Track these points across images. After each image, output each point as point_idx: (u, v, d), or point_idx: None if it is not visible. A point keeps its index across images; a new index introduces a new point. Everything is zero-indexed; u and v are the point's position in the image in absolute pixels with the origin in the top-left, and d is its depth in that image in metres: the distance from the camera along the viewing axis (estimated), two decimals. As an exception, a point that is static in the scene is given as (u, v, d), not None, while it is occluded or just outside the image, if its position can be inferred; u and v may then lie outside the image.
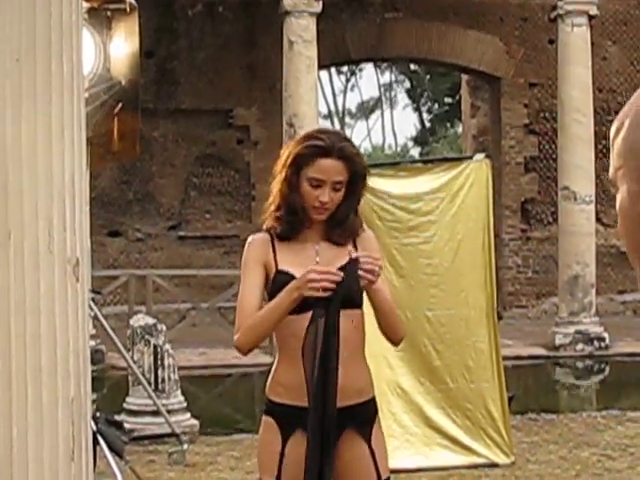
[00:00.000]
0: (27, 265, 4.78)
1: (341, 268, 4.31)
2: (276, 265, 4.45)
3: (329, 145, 4.38)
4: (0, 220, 4.78)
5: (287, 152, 4.49)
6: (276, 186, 4.50)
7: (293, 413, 4.41)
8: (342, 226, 4.49)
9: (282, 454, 4.41)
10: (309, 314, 4.32)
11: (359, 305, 4.47)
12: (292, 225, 4.47)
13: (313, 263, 4.40)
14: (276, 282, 4.42)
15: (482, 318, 9.47)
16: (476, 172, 9.22)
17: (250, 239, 4.63)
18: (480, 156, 10.06)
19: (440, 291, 9.23)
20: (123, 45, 7.64)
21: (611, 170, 1.58)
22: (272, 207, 4.52)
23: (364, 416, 4.50)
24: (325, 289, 4.19)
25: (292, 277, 4.36)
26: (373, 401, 4.56)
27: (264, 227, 4.58)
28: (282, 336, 4.50)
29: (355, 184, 4.46)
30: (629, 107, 1.55)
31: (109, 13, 7.41)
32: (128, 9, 7.60)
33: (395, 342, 4.82)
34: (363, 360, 4.57)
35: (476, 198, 9.12)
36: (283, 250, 4.49)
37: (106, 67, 7.37)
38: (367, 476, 4.44)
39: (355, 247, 4.49)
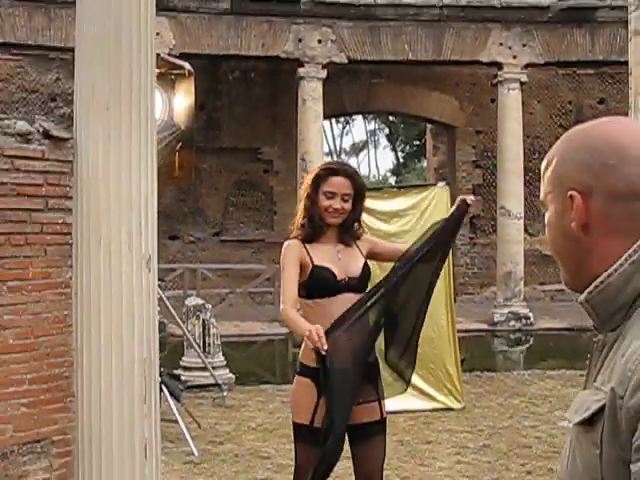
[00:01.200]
0: (113, 260, 4.87)
1: (363, 266, 4.51)
2: (312, 261, 4.43)
3: (338, 167, 4.60)
4: (94, 229, 4.87)
5: (308, 178, 4.60)
6: (301, 204, 4.59)
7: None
8: (350, 232, 4.54)
9: (316, 405, 4.38)
10: (339, 297, 4.37)
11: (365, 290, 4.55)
12: (314, 230, 4.48)
13: (337, 260, 4.44)
14: (315, 273, 4.43)
15: (442, 302, 9.50)
16: (439, 195, 9.27)
17: (287, 243, 4.56)
18: (442, 183, 10.16)
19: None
20: (183, 100, 7.72)
21: (542, 194, 1.58)
22: (299, 219, 4.55)
23: (373, 370, 4.48)
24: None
25: (327, 269, 4.41)
26: (375, 358, 4.55)
27: (291, 236, 4.58)
28: (315, 316, 4.40)
29: (358, 199, 4.53)
30: (556, 148, 1.56)
31: (173, 77, 7.49)
32: (187, 74, 7.68)
33: None
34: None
35: (439, 214, 9.12)
36: (314, 250, 4.47)
37: (170, 116, 7.44)
38: (371, 413, 4.42)
39: (359, 246, 4.55)
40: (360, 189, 4.55)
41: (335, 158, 43.38)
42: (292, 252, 4.51)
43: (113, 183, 4.82)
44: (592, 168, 1.48)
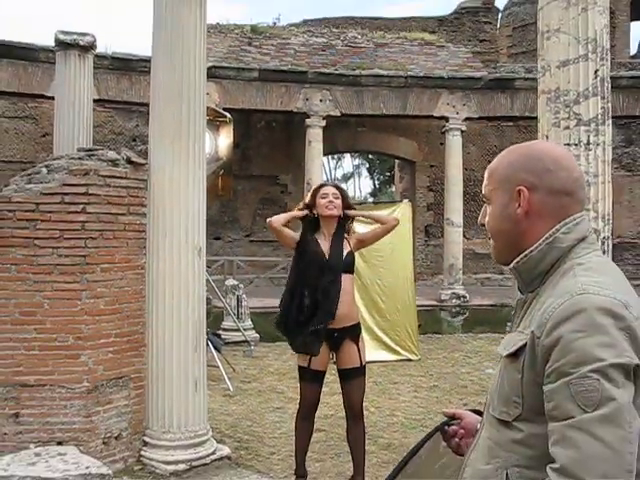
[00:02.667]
0: (175, 249, 4.82)
1: (347, 254, 4.42)
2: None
3: (327, 182, 4.64)
4: (161, 227, 4.81)
5: (309, 194, 4.61)
6: (301, 207, 4.60)
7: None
8: (344, 228, 4.53)
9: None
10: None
11: (352, 272, 4.50)
12: (313, 222, 4.51)
13: (328, 247, 4.39)
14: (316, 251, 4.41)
15: (406, 284, 9.49)
16: (404, 209, 9.23)
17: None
18: (406, 200, 10.11)
19: (385, 270, 9.21)
20: (224, 140, 7.68)
21: (486, 191, 1.58)
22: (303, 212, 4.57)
23: (354, 331, 4.44)
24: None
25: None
26: (359, 324, 4.52)
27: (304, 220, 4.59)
28: None
29: (344, 200, 4.52)
30: (500, 159, 1.58)
31: (218, 123, 7.45)
32: (228, 121, 7.64)
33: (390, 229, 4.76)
34: (354, 302, 4.58)
35: (405, 222, 9.13)
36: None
37: (216, 151, 7.40)
38: (353, 360, 4.39)
39: (348, 241, 4.50)
40: (344, 196, 4.56)
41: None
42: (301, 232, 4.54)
43: (175, 195, 4.79)
44: (536, 171, 1.51)
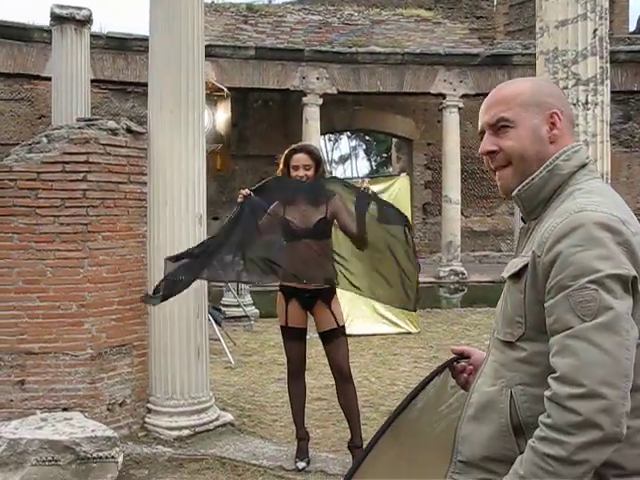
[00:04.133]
0: (176, 218, 4.85)
1: (319, 220, 4.29)
2: (284, 215, 4.36)
3: (297, 147, 4.49)
4: (162, 195, 4.84)
5: (282, 157, 4.49)
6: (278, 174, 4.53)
7: (290, 290, 4.42)
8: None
9: (286, 310, 4.44)
10: (300, 242, 4.28)
11: (328, 237, 4.37)
12: None
13: (302, 216, 4.32)
14: (281, 221, 4.35)
15: (407, 262, 9.50)
16: (403, 181, 9.25)
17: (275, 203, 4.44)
18: (403, 174, 10.15)
19: (384, 244, 9.26)
20: (222, 115, 7.69)
21: (509, 114, 1.55)
22: None
23: (326, 293, 4.42)
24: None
25: (289, 223, 4.33)
26: (332, 287, 4.45)
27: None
28: (288, 254, 4.39)
29: (317, 167, 4.41)
30: (515, 86, 1.59)
31: (215, 97, 7.46)
32: (225, 96, 7.64)
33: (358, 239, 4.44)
34: (327, 264, 4.40)
35: (403, 195, 9.13)
36: (287, 209, 4.36)
37: (214, 125, 7.41)
38: (329, 322, 4.40)
39: (327, 207, 4.34)
40: (318, 159, 4.42)
41: (328, 167, 43.24)
42: (273, 210, 4.40)
43: (175, 163, 4.82)
44: (560, 98, 1.60)
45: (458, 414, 1.83)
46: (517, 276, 1.48)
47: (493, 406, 1.52)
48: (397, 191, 8.97)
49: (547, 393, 1.33)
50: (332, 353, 4.48)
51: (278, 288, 4.55)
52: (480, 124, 1.64)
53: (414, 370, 7.33)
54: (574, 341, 1.30)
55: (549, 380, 1.33)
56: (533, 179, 1.52)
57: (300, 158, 4.37)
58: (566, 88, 3.71)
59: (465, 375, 1.81)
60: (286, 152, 4.49)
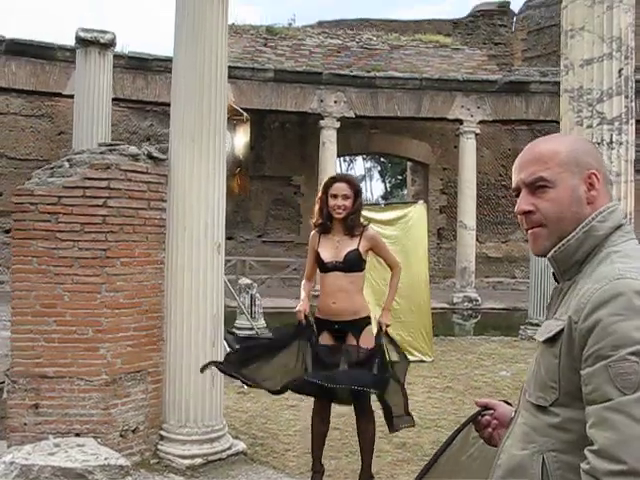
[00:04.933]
0: (194, 244, 4.84)
1: (348, 252, 4.36)
2: (318, 248, 4.47)
3: (337, 176, 4.59)
4: (181, 222, 4.83)
5: (321, 188, 4.56)
6: (316, 206, 4.55)
7: (322, 322, 4.47)
8: (351, 224, 4.42)
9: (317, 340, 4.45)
10: (329, 274, 4.40)
11: (358, 271, 4.44)
12: (324, 225, 4.48)
13: (334, 247, 4.40)
14: (317, 256, 4.47)
15: (421, 286, 9.45)
16: (419, 209, 9.20)
17: (310, 234, 4.61)
18: (421, 202, 10.05)
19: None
20: (241, 139, 7.71)
21: (547, 174, 1.51)
22: (316, 217, 4.53)
23: (356, 326, 4.42)
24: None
25: (319, 254, 4.43)
26: (364, 318, 4.47)
27: (313, 229, 4.59)
28: (322, 284, 4.49)
29: (356, 198, 4.43)
30: (555, 144, 1.55)
31: (235, 122, 7.49)
32: (245, 120, 7.67)
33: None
34: (357, 297, 4.46)
35: (420, 223, 9.10)
36: (322, 240, 4.49)
37: (233, 149, 7.43)
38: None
39: (361, 238, 4.42)
40: (357, 190, 4.45)
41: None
42: (311, 241, 4.59)
43: (195, 191, 4.81)
44: (597, 159, 1.56)
45: (478, 463, 1.80)
46: (552, 340, 1.45)
47: (524, 471, 1.48)
48: (413, 220, 8.93)
49: (584, 466, 1.29)
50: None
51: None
52: (515, 181, 1.59)
53: (428, 400, 7.25)
54: (614, 414, 1.26)
55: (586, 452, 1.29)
56: (569, 240, 1.49)
57: (339, 187, 4.39)
58: (590, 127, 3.68)
59: (490, 430, 1.77)
60: (326, 180, 4.57)
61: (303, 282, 4.65)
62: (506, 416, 1.72)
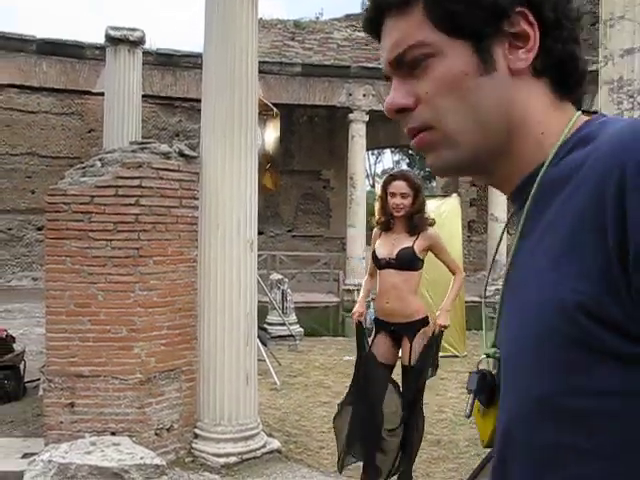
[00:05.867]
0: (227, 242, 4.82)
1: (401, 250, 4.32)
2: (376, 244, 4.48)
3: (396, 174, 4.49)
4: (213, 220, 4.82)
5: (381, 187, 4.53)
6: (378, 205, 4.56)
7: (380, 322, 4.45)
8: (411, 223, 4.34)
9: (374, 340, 4.45)
10: (383, 271, 4.38)
11: (412, 269, 4.36)
12: (386, 223, 4.42)
13: (390, 244, 4.36)
14: (373, 254, 4.49)
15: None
16: (453, 203, 9.14)
17: (374, 231, 4.60)
18: (455, 195, 10.00)
19: (434, 265, 9.15)
20: (271, 133, 7.68)
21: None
22: (377, 215, 4.51)
23: (411, 328, 4.36)
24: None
25: (374, 251, 4.45)
26: (419, 321, 4.37)
27: (376, 226, 4.56)
28: (379, 280, 4.45)
29: (416, 196, 4.33)
30: None
31: (265, 117, 7.45)
32: (274, 115, 7.63)
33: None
34: (411, 298, 4.39)
35: (453, 216, 9.02)
36: (382, 237, 4.45)
37: (263, 144, 7.40)
38: (404, 360, 4.35)
39: (418, 237, 4.32)
40: (417, 188, 4.34)
41: (370, 180, 43.14)
42: (372, 238, 4.59)
43: (227, 188, 4.79)
44: None
45: None
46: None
47: None
48: (447, 212, 8.84)
49: None
50: (403, 387, 4.43)
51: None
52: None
53: (461, 396, 7.16)
54: None
55: None
56: None
57: (398, 185, 4.31)
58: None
59: None
60: (385, 178, 4.53)
61: (365, 278, 4.71)
62: None
